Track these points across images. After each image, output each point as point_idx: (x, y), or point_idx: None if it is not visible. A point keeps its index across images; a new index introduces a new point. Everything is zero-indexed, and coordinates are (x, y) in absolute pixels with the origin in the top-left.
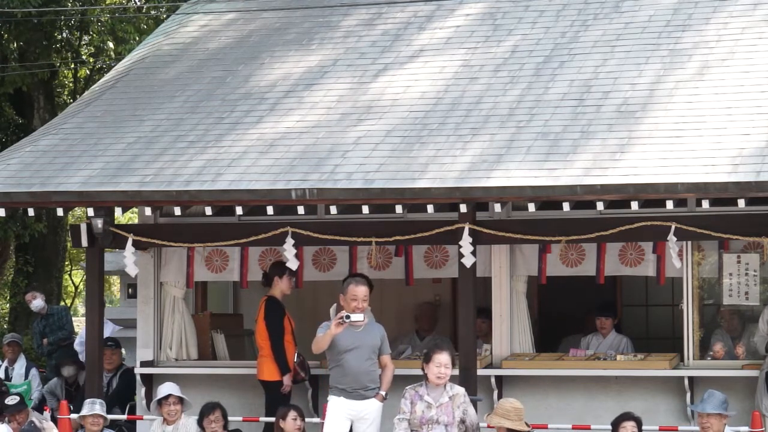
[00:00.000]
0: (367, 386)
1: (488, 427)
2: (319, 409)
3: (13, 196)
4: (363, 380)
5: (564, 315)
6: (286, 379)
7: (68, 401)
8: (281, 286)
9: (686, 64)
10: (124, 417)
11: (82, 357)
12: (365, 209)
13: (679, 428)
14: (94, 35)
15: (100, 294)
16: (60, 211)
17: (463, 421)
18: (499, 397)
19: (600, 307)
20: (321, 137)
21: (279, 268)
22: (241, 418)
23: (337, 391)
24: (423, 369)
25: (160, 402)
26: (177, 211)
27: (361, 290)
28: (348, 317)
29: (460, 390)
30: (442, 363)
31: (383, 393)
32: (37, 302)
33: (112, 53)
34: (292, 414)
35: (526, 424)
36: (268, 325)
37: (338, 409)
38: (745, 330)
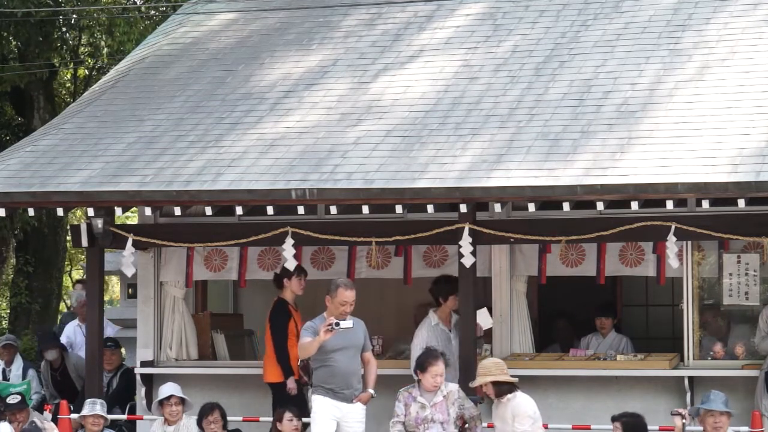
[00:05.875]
0: (353, 387)
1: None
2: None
3: (13, 196)
4: (351, 380)
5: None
6: (290, 382)
7: (55, 388)
8: (292, 287)
9: (686, 64)
10: (124, 417)
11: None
12: (365, 209)
13: None
14: (92, 33)
15: (100, 294)
16: (60, 211)
17: (461, 417)
18: None
19: (600, 308)
20: (321, 137)
21: (287, 270)
22: (241, 418)
23: (323, 390)
24: (416, 375)
25: (161, 402)
26: (177, 211)
27: (350, 295)
28: (338, 324)
29: (454, 387)
30: (438, 373)
31: (371, 391)
32: (82, 293)
33: (104, 54)
34: (287, 415)
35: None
36: (272, 327)
37: (324, 408)
38: (731, 331)
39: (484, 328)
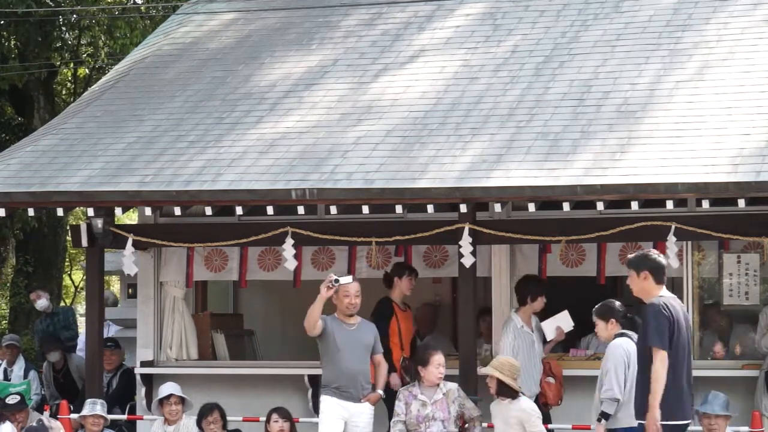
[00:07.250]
0: (361, 386)
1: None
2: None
3: (13, 196)
4: (357, 380)
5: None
6: (393, 378)
7: (57, 389)
8: (401, 287)
9: (686, 64)
10: (124, 417)
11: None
12: (365, 209)
13: None
14: (92, 33)
15: (100, 294)
16: (60, 211)
17: (461, 416)
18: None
19: None
20: (321, 137)
21: (398, 269)
22: (241, 418)
23: (329, 390)
24: (418, 372)
25: (161, 402)
26: (177, 211)
27: (353, 286)
28: (337, 281)
29: (453, 385)
30: (441, 363)
31: (380, 391)
32: (42, 302)
33: (104, 54)
34: (274, 416)
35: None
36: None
37: (332, 408)
38: (734, 330)
39: (565, 331)
